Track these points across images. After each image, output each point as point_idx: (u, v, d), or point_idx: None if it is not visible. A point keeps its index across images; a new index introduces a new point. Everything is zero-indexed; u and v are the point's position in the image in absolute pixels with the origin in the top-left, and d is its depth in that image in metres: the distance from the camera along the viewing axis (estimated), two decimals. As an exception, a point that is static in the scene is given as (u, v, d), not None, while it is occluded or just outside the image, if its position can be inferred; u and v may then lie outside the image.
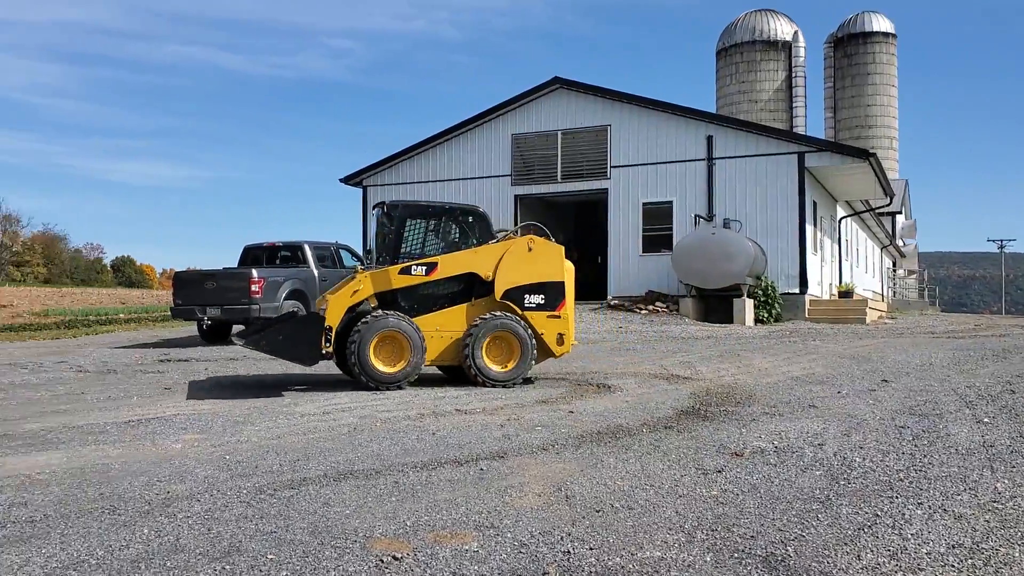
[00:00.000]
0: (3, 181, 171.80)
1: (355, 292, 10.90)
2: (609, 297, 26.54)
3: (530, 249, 11.34)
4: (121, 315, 32.81)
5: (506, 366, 11.05)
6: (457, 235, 11.65)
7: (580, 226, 33.04)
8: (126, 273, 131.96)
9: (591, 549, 4.63)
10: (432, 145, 30.00)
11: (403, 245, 11.36)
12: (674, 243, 25.54)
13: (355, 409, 9.28)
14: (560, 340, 11.38)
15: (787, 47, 50.23)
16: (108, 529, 4.99)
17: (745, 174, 25.85)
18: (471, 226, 11.63)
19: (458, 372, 11.50)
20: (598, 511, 5.32)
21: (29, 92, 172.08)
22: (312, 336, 10.51)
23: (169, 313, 21.95)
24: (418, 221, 11.60)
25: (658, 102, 27.08)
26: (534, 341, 11.13)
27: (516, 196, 28.67)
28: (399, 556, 4.52)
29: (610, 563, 4.42)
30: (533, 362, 11.19)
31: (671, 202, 26.67)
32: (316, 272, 19.50)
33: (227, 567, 4.36)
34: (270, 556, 4.52)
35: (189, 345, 18.33)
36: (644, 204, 26.97)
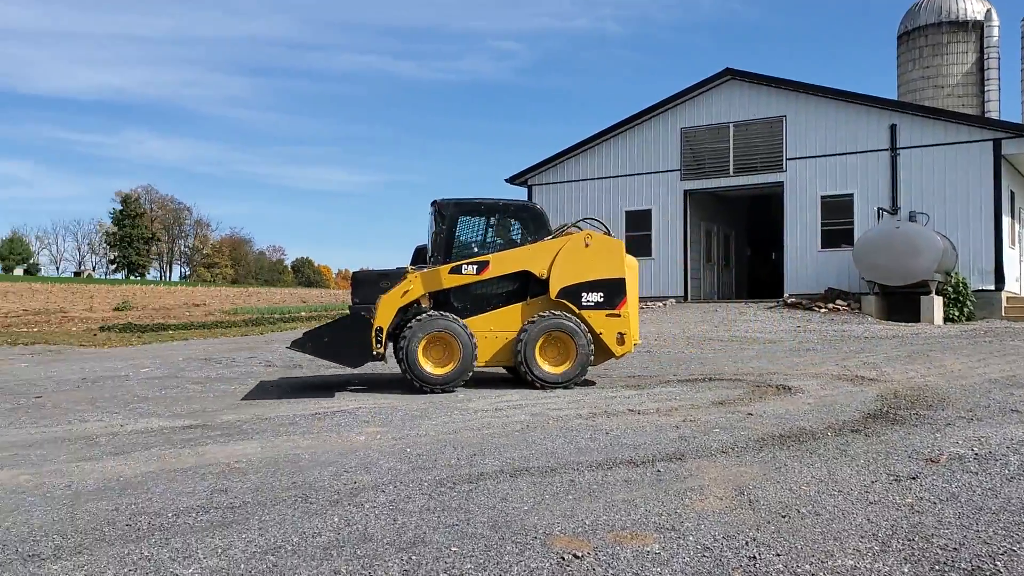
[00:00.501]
0: (196, 188, 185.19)
1: (405, 293, 10.75)
2: (785, 295, 25.61)
3: (587, 245, 10.98)
4: (303, 313, 34.63)
5: (561, 367, 10.81)
6: (513, 233, 11.35)
7: (753, 221, 32.06)
8: (305, 273, 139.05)
9: (778, 555, 4.43)
10: (597, 142, 29.92)
11: (456, 244, 11.11)
12: (855, 238, 24.33)
13: (526, 406, 9.35)
14: (621, 340, 11.00)
15: (978, 27, 46.77)
16: (301, 517, 5.22)
17: (933, 164, 24.29)
18: (526, 223, 11.32)
19: (515, 372, 11.41)
20: (783, 516, 5.10)
21: (219, 105, 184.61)
22: (357, 338, 10.44)
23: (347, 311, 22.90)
24: (470, 219, 11.32)
25: (836, 91, 25.86)
26: (591, 341, 10.82)
27: (686, 191, 28.16)
28: (580, 555, 4.48)
29: (799, 570, 4.22)
30: (589, 363, 10.87)
31: (851, 195, 25.41)
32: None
33: (413, 557, 4.47)
34: (453, 548, 4.60)
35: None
36: (822, 197, 25.83)
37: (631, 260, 11.36)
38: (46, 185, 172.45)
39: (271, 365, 14.97)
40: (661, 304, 27.10)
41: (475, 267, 10.84)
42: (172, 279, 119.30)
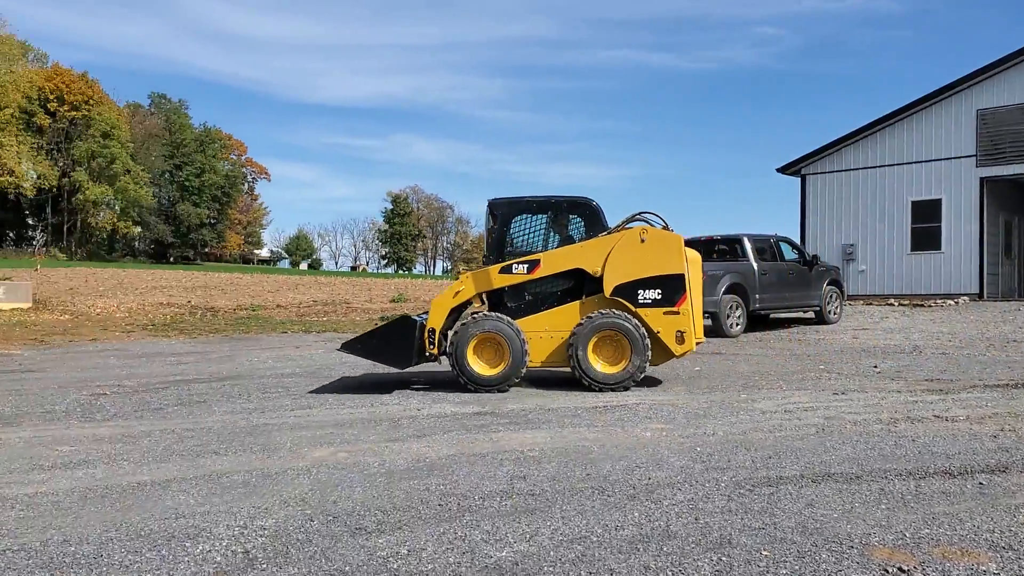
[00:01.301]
0: (457, 187, 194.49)
1: (457, 293, 10.77)
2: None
3: (643, 240, 10.52)
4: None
5: (616, 367, 10.41)
6: (568, 230, 11.08)
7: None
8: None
9: None
10: (877, 129, 28.01)
11: (510, 243, 10.94)
12: None
13: (818, 409, 8.88)
14: (680, 338, 10.48)
15: None
16: (601, 509, 5.26)
17: None
18: (581, 219, 11.00)
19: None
20: None
21: (475, 106, 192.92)
22: (405, 339, 10.59)
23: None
24: (524, 217, 11.07)
25: None
26: (647, 340, 10.36)
27: (982, 179, 25.68)
28: (905, 568, 4.16)
29: None
30: (647, 363, 10.42)
31: None
32: (755, 265, 19.18)
33: (723, 558, 4.35)
34: (764, 552, 4.42)
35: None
36: None
37: (692, 255, 10.93)
38: (328, 186, 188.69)
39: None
40: (953, 302, 24.89)
41: (526, 266, 10.68)
42: (435, 273, 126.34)
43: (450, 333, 10.85)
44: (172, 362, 15.34)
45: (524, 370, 10.46)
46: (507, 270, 10.68)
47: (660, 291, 10.45)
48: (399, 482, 6.01)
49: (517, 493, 5.67)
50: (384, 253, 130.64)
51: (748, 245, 19.48)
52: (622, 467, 6.35)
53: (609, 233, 10.71)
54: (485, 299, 11.08)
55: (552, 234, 11.05)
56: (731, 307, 18.50)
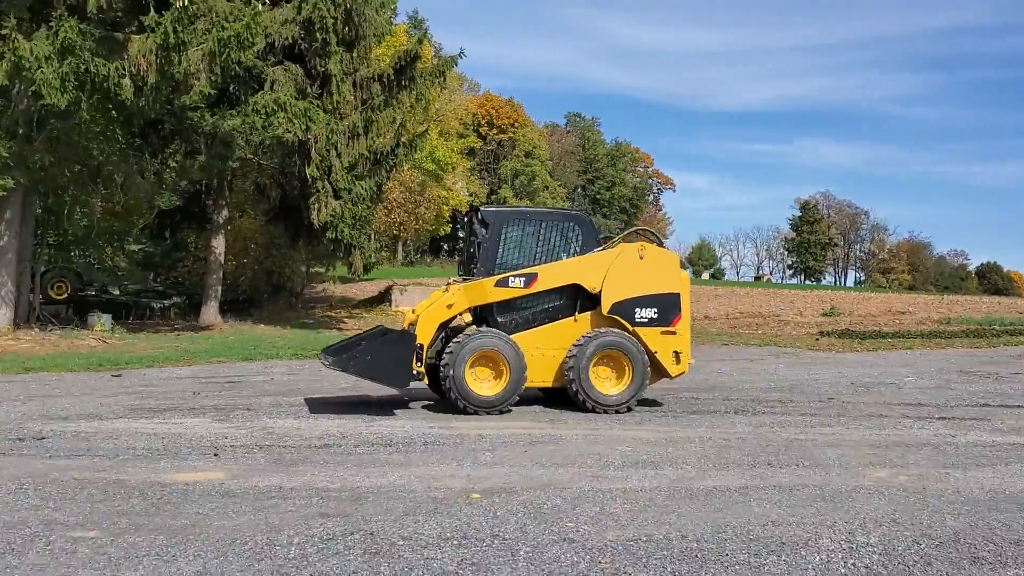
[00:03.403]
0: (873, 191, 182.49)
1: (449, 306, 10.18)
2: None
3: (641, 258, 10.30)
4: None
5: (616, 388, 10.09)
6: (560, 243, 10.55)
7: None
8: (991, 280, 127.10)
9: None
10: None
11: (500, 255, 10.35)
12: None
13: None
14: (677, 359, 10.30)
15: None
16: None
17: None
18: (574, 233, 10.52)
19: (559, 393, 10.41)
20: None
21: (890, 104, 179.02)
22: (402, 356, 9.84)
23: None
24: (515, 229, 10.55)
25: None
26: (647, 360, 10.06)
27: None
28: None
29: None
30: (646, 385, 10.14)
31: None
32: None
33: None
34: None
35: None
36: None
37: (685, 274, 10.65)
38: (728, 195, 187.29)
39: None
40: None
41: (523, 280, 10.18)
42: (846, 284, 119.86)
43: (446, 352, 10.13)
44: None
45: (522, 390, 10.05)
46: (503, 283, 10.24)
47: (657, 310, 10.26)
48: (988, 513, 5.94)
49: None
50: (790, 263, 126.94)
51: None
52: None
53: (604, 248, 10.46)
54: (473, 314, 10.63)
55: (544, 247, 10.59)
56: None
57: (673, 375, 10.64)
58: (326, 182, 23.09)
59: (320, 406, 10.64)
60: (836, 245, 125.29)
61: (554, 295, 10.52)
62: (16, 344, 18.28)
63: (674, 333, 10.44)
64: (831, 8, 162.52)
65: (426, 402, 11.15)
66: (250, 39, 18.59)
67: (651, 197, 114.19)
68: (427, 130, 30.49)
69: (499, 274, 10.25)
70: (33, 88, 17.68)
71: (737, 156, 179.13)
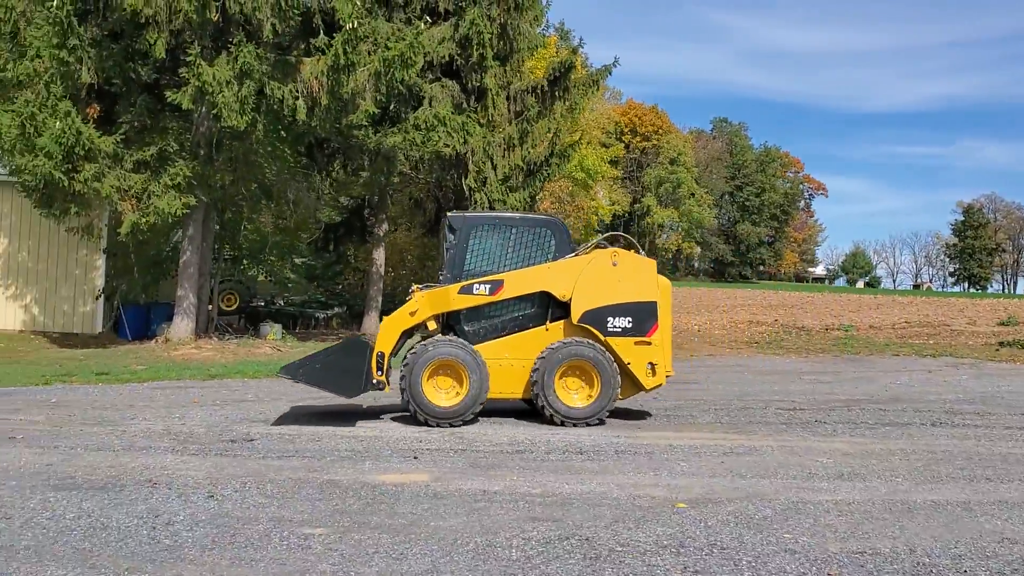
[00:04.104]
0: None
1: (412, 313, 9.86)
2: None
3: (614, 264, 9.89)
4: None
5: (584, 401, 9.69)
6: (533, 250, 10.08)
7: None
8: None
9: None
10: None
11: (469, 262, 9.95)
12: None
13: None
14: (652, 371, 9.87)
15: None
16: None
17: None
18: (546, 239, 10.08)
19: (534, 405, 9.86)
20: None
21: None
22: (353, 365, 9.65)
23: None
24: (486, 235, 10.13)
25: None
26: (617, 372, 9.65)
27: None
28: None
29: None
30: (616, 397, 9.71)
31: None
32: None
33: None
34: None
35: None
36: None
37: (663, 282, 10.15)
38: (882, 199, 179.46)
39: None
40: None
41: (488, 286, 9.79)
42: (1016, 291, 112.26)
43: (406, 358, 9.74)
44: (809, 380, 15.82)
45: (483, 401, 9.57)
46: (467, 290, 9.82)
47: (631, 319, 9.80)
48: None
49: None
50: (952, 270, 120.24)
51: None
52: None
53: (578, 255, 10.02)
54: (439, 322, 10.15)
55: (513, 254, 10.10)
56: None
57: (648, 388, 10.12)
58: (482, 193, 23.46)
59: (499, 413, 10.78)
60: (1004, 251, 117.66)
61: (524, 303, 10.12)
62: (199, 352, 19.41)
63: (649, 344, 9.90)
64: (987, 1, 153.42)
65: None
66: (413, 58, 19.14)
67: (802, 203, 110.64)
68: (580, 139, 30.56)
69: (465, 280, 9.91)
70: (215, 111, 18.81)
71: (892, 159, 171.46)
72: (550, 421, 9.64)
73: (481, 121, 23.48)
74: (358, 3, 18.87)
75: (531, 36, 25.31)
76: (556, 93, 24.52)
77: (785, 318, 36.57)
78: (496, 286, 9.83)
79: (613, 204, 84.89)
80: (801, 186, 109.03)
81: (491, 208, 23.36)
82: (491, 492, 6.65)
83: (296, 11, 18.64)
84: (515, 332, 10.01)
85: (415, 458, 7.84)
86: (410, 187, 27.91)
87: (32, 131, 18.23)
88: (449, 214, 10.49)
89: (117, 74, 19.78)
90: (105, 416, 9.91)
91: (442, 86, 23.33)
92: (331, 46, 18.72)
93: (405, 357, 9.65)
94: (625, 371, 9.85)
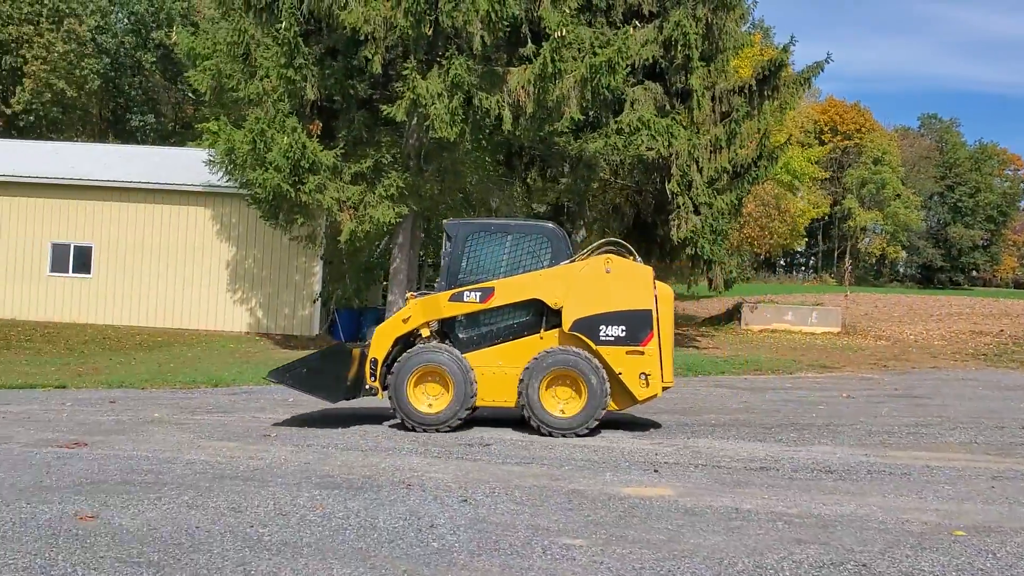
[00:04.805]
0: None
1: (405, 320, 9.90)
2: None
3: (608, 271, 9.53)
4: None
5: (571, 411, 9.31)
6: (529, 257, 9.95)
7: None
8: None
9: None
10: None
11: (464, 269, 9.91)
12: None
13: None
14: (645, 381, 9.39)
15: None
16: None
17: None
18: (543, 246, 9.90)
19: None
20: None
21: None
22: (336, 370, 9.89)
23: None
24: (482, 242, 10.07)
25: None
26: (606, 382, 9.24)
27: None
28: None
29: None
30: (603, 407, 9.27)
31: None
32: None
33: None
34: None
35: None
36: None
37: (664, 290, 9.93)
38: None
39: None
40: None
41: (478, 294, 9.65)
42: None
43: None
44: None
45: (470, 408, 9.43)
46: (458, 298, 9.68)
47: (624, 328, 9.44)
48: None
49: None
50: None
51: None
52: None
53: (573, 262, 9.71)
54: (436, 329, 10.03)
55: (511, 261, 9.93)
56: None
57: (640, 399, 9.66)
58: (686, 197, 22.99)
59: (730, 427, 10.43)
60: None
61: (519, 311, 9.88)
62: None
63: (642, 353, 9.46)
64: None
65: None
66: (620, 63, 19.02)
67: (1022, 203, 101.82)
68: (788, 140, 29.44)
69: (457, 288, 9.75)
70: (427, 123, 19.45)
71: None
72: (537, 431, 9.38)
73: (685, 123, 23.05)
74: (566, 10, 19.00)
75: (737, 35, 24.61)
76: (765, 92, 23.72)
77: (1012, 328, 33.65)
78: (487, 293, 9.69)
79: (815, 207, 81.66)
80: (1022, 185, 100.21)
81: (696, 213, 22.88)
82: (743, 510, 6.36)
83: (505, 22, 18.94)
84: (509, 340, 9.85)
85: (656, 471, 7.66)
86: (608, 192, 27.83)
87: (262, 146, 19.54)
88: (446, 221, 10.69)
89: (337, 91, 20.89)
90: (343, 415, 10.37)
91: (645, 89, 23.09)
92: (538, 55, 18.92)
93: (395, 364, 9.67)
94: (617, 381, 9.51)
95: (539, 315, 9.84)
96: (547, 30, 19.50)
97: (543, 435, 9.28)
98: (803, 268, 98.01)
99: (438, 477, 7.16)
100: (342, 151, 20.54)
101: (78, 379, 14.60)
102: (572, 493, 6.75)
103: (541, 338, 9.72)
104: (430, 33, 19.23)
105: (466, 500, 6.42)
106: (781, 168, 33.60)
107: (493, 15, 18.49)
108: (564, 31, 18.46)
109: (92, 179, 24.52)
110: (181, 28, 26.08)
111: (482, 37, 18.96)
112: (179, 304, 24.33)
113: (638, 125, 21.60)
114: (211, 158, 23.01)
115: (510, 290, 9.71)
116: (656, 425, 10.38)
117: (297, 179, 19.71)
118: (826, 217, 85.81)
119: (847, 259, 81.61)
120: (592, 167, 23.74)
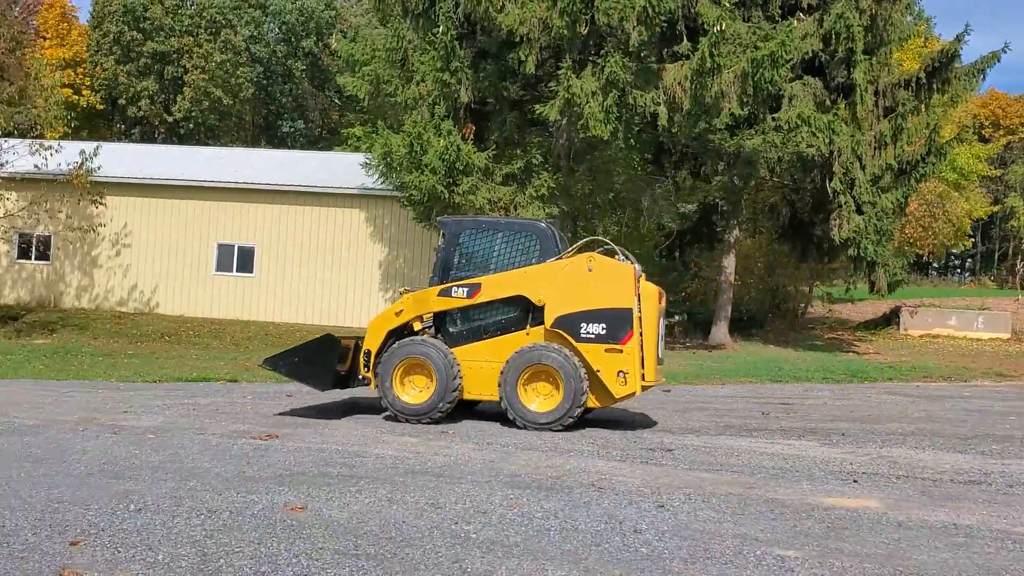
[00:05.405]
0: None
1: (397, 314, 10.09)
2: None
3: (590, 270, 9.58)
4: None
5: (546, 406, 9.43)
6: (519, 254, 9.98)
7: None
8: None
9: None
10: None
11: (456, 266, 10.12)
12: None
13: None
14: (623, 380, 9.37)
15: None
16: None
17: None
18: (531, 244, 9.96)
19: None
20: None
21: None
22: (326, 360, 10.12)
23: None
24: (473, 239, 10.28)
25: None
26: (584, 379, 9.33)
27: None
28: None
29: None
30: (580, 404, 9.36)
31: None
32: None
33: None
34: None
35: None
36: None
37: (650, 289, 9.71)
38: None
39: None
40: None
41: (465, 290, 9.82)
42: None
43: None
44: None
45: (452, 400, 9.57)
46: (446, 293, 9.92)
47: (605, 326, 9.45)
48: None
49: None
50: None
51: None
52: None
53: (559, 259, 9.73)
54: (429, 322, 10.23)
55: (501, 258, 10.06)
56: None
57: (617, 396, 9.63)
58: (848, 196, 22.00)
59: (920, 436, 9.86)
60: None
61: (506, 307, 10.03)
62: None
63: (620, 351, 9.43)
64: None
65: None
66: (783, 57, 18.40)
67: None
68: (959, 135, 27.82)
69: (447, 283, 9.99)
70: (580, 122, 19.36)
71: None
72: (515, 425, 9.52)
73: (846, 119, 22.08)
74: (726, 4, 18.53)
75: (902, 26, 23.44)
76: (934, 85, 22.45)
77: None
78: (473, 289, 9.90)
79: (980, 207, 77.08)
80: None
81: (858, 212, 21.88)
82: (963, 526, 5.93)
83: (661, 17, 18.65)
84: (496, 335, 9.99)
85: (855, 481, 7.27)
86: (762, 191, 27.00)
87: (419, 149, 19.90)
88: (440, 218, 11.08)
89: (491, 93, 21.08)
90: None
91: (803, 84, 22.27)
92: (696, 50, 18.53)
93: (383, 355, 9.92)
94: (595, 379, 9.53)
95: (525, 311, 9.97)
96: (704, 25, 19.09)
97: (520, 428, 9.47)
98: (959, 271, 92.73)
99: (628, 481, 7.00)
100: (493, 152, 20.72)
101: (247, 373, 15.21)
102: (772, 502, 6.46)
103: (527, 334, 9.87)
104: (584, 32, 19.14)
105: (663, 506, 6.23)
106: (946, 166, 31.76)
107: (650, 10, 18.24)
108: (723, 25, 18.02)
109: (254, 182, 25.62)
110: (340, 36, 26.98)
111: (639, 33, 18.73)
112: (335, 302, 25.11)
113: (797, 122, 20.85)
114: (367, 161, 23.65)
115: (496, 287, 9.93)
116: (839, 433, 9.92)
117: (451, 181, 20.00)
118: (987, 217, 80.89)
119: (1019, 262, 76.44)
120: (752, 164, 23.08)
